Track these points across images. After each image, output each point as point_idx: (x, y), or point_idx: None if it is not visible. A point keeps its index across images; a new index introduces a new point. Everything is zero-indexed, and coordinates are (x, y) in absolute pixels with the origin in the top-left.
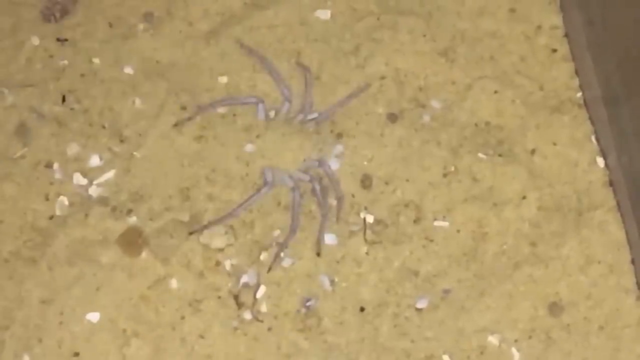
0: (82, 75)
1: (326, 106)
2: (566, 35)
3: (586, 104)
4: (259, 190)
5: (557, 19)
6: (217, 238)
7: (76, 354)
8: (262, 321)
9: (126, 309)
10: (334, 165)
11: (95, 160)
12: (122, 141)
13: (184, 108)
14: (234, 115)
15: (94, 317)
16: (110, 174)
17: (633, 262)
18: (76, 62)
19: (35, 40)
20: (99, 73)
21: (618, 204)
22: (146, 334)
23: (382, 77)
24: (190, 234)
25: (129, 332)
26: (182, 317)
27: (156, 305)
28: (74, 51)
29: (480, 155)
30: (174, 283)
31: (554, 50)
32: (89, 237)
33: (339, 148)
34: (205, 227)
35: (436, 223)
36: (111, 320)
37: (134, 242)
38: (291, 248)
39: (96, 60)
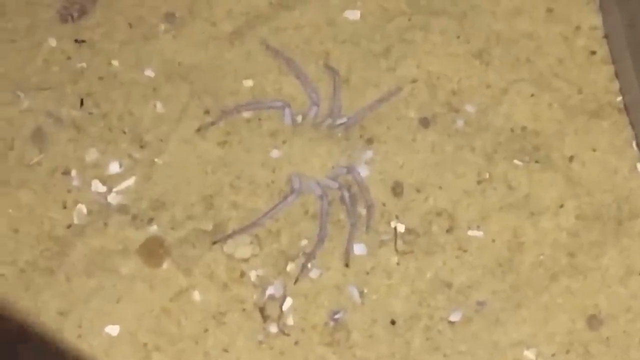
0: (101, 78)
1: (355, 110)
2: (606, 36)
3: (626, 108)
4: (285, 198)
5: (596, 20)
6: (241, 248)
7: None
8: (288, 335)
9: (147, 321)
10: (363, 172)
11: (114, 167)
12: (142, 147)
13: (207, 112)
14: (260, 119)
15: (113, 330)
16: (130, 181)
17: None
18: (95, 64)
19: (52, 42)
20: (119, 76)
21: None
22: (168, 347)
23: (414, 80)
24: (214, 243)
25: (150, 346)
26: (206, 330)
27: (178, 318)
28: (92, 53)
29: (516, 161)
30: (196, 295)
31: (593, 52)
32: (108, 247)
33: (368, 154)
34: (230, 236)
35: (470, 232)
36: (131, 333)
37: (155, 252)
38: (319, 258)
39: (115, 63)
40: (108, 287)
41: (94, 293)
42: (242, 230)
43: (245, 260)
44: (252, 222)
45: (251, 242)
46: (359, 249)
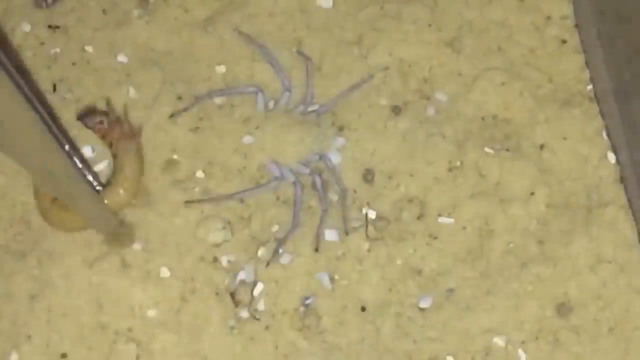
0: (74, 63)
1: (328, 97)
2: (577, 25)
3: (597, 97)
4: (264, 184)
5: (567, 9)
6: (213, 233)
7: (64, 355)
8: (259, 320)
9: (118, 306)
10: (335, 158)
11: (87, 151)
12: None
13: (180, 98)
14: (232, 106)
15: (83, 314)
16: (102, 165)
17: None
18: (68, 49)
19: (26, 27)
20: (92, 61)
21: (629, 201)
22: (138, 333)
23: (386, 68)
24: (186, 202)
25: (120, 332)
26: (177, 315)
27: (149, 303)
28: (66, 38)
29: (487, 149)
30: (168, 279)
31: (564, 42)
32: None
33: (340, 141)
34: (201, 200)
35: (441, 220)
36: (101, 318)
37: (126, 234)
38: (290, 244)
39: (89, 48)
40: (79, 270)
41: (65, 277)
42: (213, 199)
43: (217, 245)
44: (224, 195)
45: (223, 228)
46: (330, 235)
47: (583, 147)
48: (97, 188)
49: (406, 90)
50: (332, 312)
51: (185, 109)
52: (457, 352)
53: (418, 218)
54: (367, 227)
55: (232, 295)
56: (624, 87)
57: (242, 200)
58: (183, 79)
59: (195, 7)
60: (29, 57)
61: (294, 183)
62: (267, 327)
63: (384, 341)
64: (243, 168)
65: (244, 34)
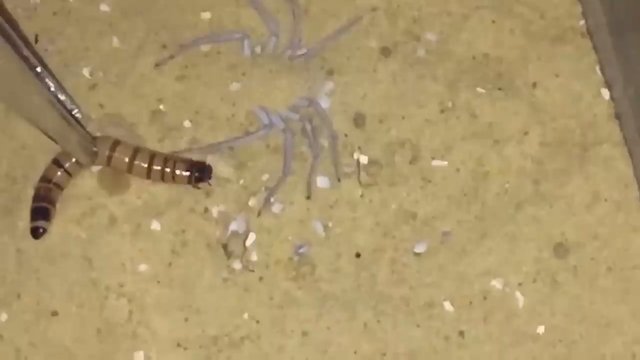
0: (55, 13)
1: (316, 41)
2: None
3: (590, 32)
4: (253, 132)
5: None
6: (203, 183)
7: (54, 313)
8: (252, 270)
9: (108, 262)
10: (324, 103)
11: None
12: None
13: (164, 47)
14: (218, 52)
15: (72, 272)
16: None
17: None
18: None
19: None
20: (74, 11)
21: (625, 138)
22: (130, 289)
23: (374, 9)
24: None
25: (111, 288)
26: (168, 268)
27: (140, 257)
28: None
29: (479, 89)
30: (159, 232)
31: None
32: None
33: (329, 85)
34: (189, 150)
35: (434, 162)
36: (91, 275)
37: (119, 178)
38: (282, 193)
39: None
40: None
41: (52, 233)
42: (203, 149)
43: (207, 196)
44: (210, 145)
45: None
46: (322, 182)
47: (576, 84)
48: (75, 112)
49: (395, 31)
50: (327, 260)
51: (170, 58)
52: (454, 296)
53: (411, 162)
54: (359, 172)
55: (224, 246)
56: (618, 21)
57: (231, 149)
58: (167, 27)
59: None
60: (9, 8)
61: (284, 130)
62: (260, 278)
63: (380, 287)
64: (231, 116)
65: None
